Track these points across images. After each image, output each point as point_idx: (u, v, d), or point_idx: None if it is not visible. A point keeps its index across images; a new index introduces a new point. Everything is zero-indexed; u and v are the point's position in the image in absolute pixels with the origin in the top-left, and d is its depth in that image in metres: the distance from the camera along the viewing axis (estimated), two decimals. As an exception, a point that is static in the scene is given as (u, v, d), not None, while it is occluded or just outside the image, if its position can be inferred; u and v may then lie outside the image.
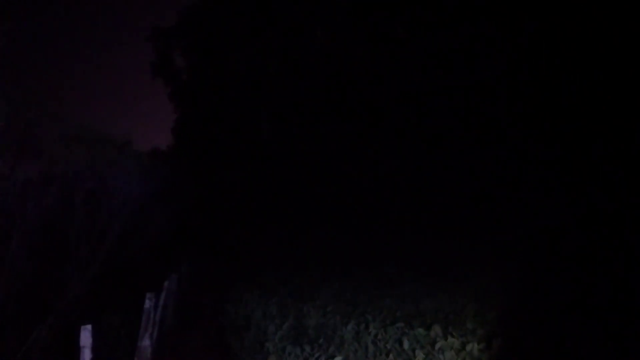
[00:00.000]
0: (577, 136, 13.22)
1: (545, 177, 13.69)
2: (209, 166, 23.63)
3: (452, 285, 8.85)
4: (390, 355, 5.99)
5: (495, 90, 15.04)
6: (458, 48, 16.27)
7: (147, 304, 7.77)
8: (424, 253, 11.84)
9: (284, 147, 22.35)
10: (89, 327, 5.71)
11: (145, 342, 7.45)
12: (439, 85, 16.59)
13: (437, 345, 5.87)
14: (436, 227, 14.19)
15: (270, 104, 23.59)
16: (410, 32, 18.81)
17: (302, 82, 21.95)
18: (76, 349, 5.87)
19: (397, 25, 19.17)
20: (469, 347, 5.56)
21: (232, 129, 24.02)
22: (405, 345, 5.88)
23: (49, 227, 8.21)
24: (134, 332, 7.96)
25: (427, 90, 16.99)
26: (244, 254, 17.46)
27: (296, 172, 20.82)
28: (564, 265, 10.20)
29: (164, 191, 14.35)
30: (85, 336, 5.75)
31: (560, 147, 13.54)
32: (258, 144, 23.51)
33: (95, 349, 5.93)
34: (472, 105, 15.56)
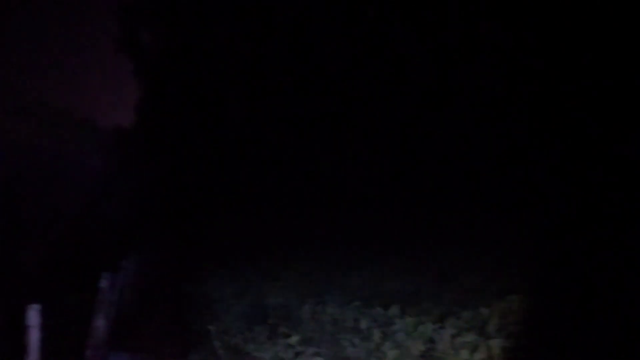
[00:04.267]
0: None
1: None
2: (176, 146, 23.22)
3: (416, 266, 8.90)
4: (348, 335, 5.97)
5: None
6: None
7: (103, 283, 7.59)
8: (392, 234, 11.85)
9: (255, 129, 22.08)
10: (36, 306, 5.52)
11: (100, 322, 7.27)
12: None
13: (395, 325, 5.88)
14: (404, 209, 14.20)
15: (243, 84, 23.20)
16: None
17: (280, 64, 21.59)
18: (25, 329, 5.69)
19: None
20: (422, 328, 5.58)
21: (201, 109, 23.60)
22: (363, 324, 5.87)
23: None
24: (90, 313, 7.79)
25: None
26: (213, 236, 17.24)
27: (267, 153, 20.60)
28: (530, 243, 10.34)
29: (127, 170, 14.01)
30: (33, 315, 5.56)
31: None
32: (227, 126, 23.16)
33: (46, 329, 5.75)
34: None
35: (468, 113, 15.26)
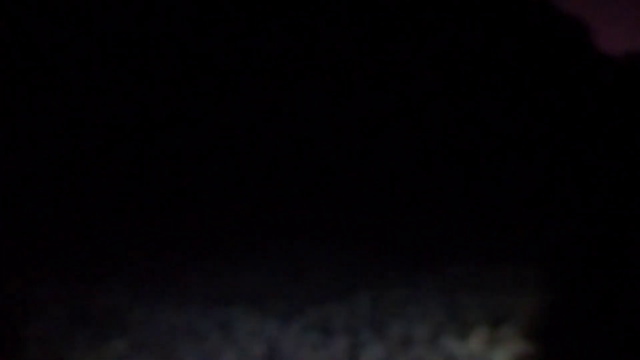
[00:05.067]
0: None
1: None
2: None
3: (263, 263, 8.58)
4: (184, 337, 5.41)
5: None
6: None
7: None
8: (238, 231, 11.39)
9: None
10: None
11: None
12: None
13: (237, 325, 5.46)
14: (251, 204, 13.82)
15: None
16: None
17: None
18: None
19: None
20: (267, 327, 5.23)
21: None
22: (201, 326, 5.35)
23: None
24: None
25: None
26: (37, 236, 15.35)
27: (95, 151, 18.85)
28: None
29: None
30: None
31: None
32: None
33: None
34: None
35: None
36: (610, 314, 6.13)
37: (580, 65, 15.50)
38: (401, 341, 5.07)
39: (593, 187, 13.87)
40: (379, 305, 6.47)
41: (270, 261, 8.55)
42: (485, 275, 8.19)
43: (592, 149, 14.80)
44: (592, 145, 14.82)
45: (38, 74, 15.21)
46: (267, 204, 13.07)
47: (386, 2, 16.34)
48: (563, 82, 15.80)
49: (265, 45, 17.15)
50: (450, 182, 13.21)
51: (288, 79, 15.86)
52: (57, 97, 15.08)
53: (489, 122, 16.07)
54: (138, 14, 17.31)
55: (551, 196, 13.95)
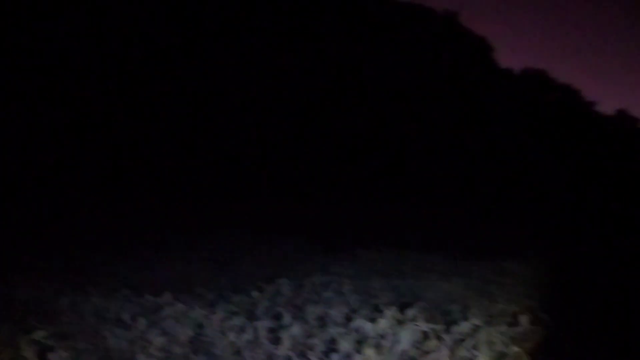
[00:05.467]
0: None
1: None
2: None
3: (191, 252, 8.79)
4: (111, 325, 5.57)
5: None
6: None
7: None
8: (167, 220, 11.47)
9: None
10: None
11: None
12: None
13: (164, 312, 5.70)
14: (178, 193, 13.86)
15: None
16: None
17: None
18: None
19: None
20: (192, 314, 5.51)
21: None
22: (127, 313, 5.54)
23: None
24: None
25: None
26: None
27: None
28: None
29: None
30: None
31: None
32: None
33: None
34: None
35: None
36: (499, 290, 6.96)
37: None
38: (318, 323, 5.54)
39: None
40: (299, 292, 6.93)
41: (199, 251, 8.77)
42: (397, 262, 8.89)
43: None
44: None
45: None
46: (195, 196, 13.18)
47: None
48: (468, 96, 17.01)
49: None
50: (365, 172, 13.94)
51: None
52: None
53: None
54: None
55: (451, 186, 15.18)
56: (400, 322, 5.45)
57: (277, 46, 16.67)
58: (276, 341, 5.17)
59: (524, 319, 5.01)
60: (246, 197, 13.74)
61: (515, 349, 4.19)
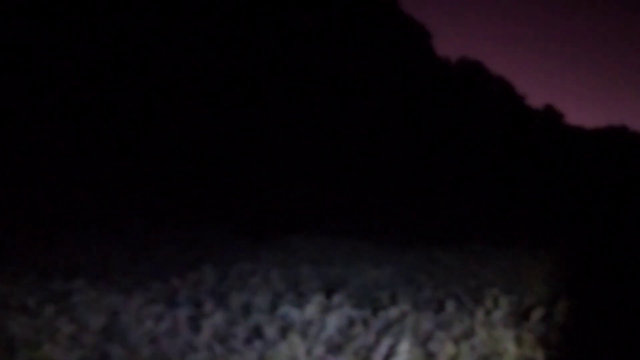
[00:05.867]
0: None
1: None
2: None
3: (109, 238, 8.31)
4: (15, 312, 5.10)
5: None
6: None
7: None
8: (83, 205, 10.82)
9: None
10: None
11: None
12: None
13: (75, 298, 5.30)
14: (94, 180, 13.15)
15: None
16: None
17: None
18: None
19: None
20: (108, 300, 5.15)
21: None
22: (33, 300, 5.09)
23: None
24: None
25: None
26: None
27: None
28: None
29: None
30: None
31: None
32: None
33: None
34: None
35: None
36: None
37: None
38: (242, 311, 5.32)
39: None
40: (223, 279, 6.67)
41: (119, 237, 8.29)
42: (328, 249, 8.81)
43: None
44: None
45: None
46: (118, 183, 12.53)
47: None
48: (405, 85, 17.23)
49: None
50: (297, 160, 13.79)
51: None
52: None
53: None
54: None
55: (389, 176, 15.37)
56: (327, 309, 5.33)
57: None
58: (196, 329, 4.90)
59: (449, 305, 5.03)
60: (175, 186, 13.27)
61: (440, 334, 4.16)
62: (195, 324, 5.00)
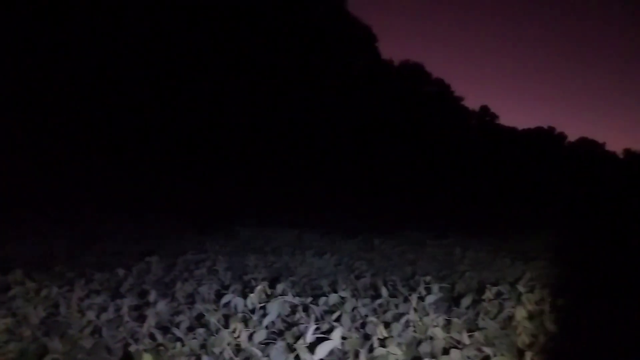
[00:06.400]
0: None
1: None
2: None
3: (54, 229, 8.15)
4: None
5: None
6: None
7: None
8: (30, 195, 10.54)
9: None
10: None
11: None
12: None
13: (13, 291, 5.24)
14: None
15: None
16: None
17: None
18: None
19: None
20: (48, 293, 5.12)
21: None
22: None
23: None
24: None
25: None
26: None
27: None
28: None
29: None
30: None
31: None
32: None
33: None
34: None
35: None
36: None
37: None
38: (187, 301, 5.41)
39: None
40: (170, 270, 6.73)
41: (63, 229, 8.16)
42: (274, 240, 8.96)
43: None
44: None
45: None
46: (65, 171, 12.21)
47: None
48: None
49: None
50: (247, 155, 13.84)
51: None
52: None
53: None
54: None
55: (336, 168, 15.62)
56: (270, 297, 5.48)
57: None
58: (140, 319, 4.96)
59: (385, 292, 5.28)
60: (124, 178, 13.06)
61: (374, 319, 4.40)
62: (139, 313, 5.05)
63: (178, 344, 4.43)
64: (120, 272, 6.27)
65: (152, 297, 5.44)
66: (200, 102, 14.91)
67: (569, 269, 6.89)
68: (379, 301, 5.09)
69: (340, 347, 4.11)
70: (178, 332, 4.68)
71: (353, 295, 5.47)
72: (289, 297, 5.48)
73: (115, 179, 12.61)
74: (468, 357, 3.96)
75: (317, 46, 18.46)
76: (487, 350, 3.94)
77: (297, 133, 15.86)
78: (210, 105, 15.18)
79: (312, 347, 3.76)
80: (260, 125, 15.36)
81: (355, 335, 4.31)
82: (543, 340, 4.47)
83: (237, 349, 4.21)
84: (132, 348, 4.50)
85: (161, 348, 4.43)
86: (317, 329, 4.39)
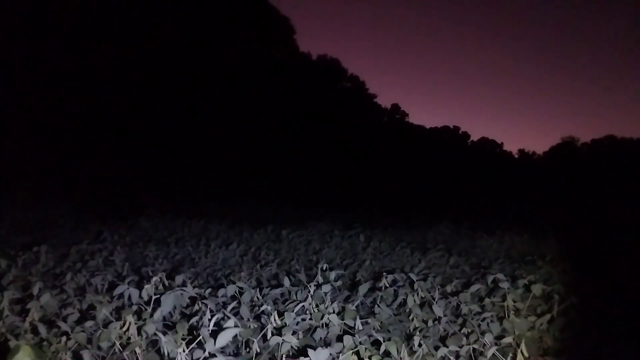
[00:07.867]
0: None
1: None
2: None
3: None
4: None
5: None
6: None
7: None
8: None
9: None
10: None
11: None
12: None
13: None
14: None
15: None
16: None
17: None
18: None
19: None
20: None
21: None
22: None
23: None
24: None
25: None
26: None
27: None
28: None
29: None
30: None
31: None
32: None
33: None
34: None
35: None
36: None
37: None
38: (76, 292, 5.15)
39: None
40: (62, 260, 6.35)
41: None
42: (175, 230, 8.73)
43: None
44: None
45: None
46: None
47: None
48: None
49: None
50: (151, 147, 13.36)
51: None
52: None
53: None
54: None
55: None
56: (167, 288, 5.33)
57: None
58: (22, 312, 4.64)
59: (286, 281, 5.30)
60: (17, 164, 12.15)
61: (268, 308, 4.43)
62: (21, 307, 4.73)
63: (63, 338, 4.20)
64: (3, 262, 5.82)
65: (35, 289, 5.11)
66: (102, 91, 14.23)
67: (460, 259, 7.28)
68: (279, 290, 5.10)
69: (235, 338, 4.08)
70: (64, 326, 4.43)
71: (257, 285, 5.45)
72: (188, 289, 5.36)
73: (6, 163, 11.70)
74: (360, 343, 4.07)
75: (231, 31, 18.12)
76: (377, 336, 4.06)
77: (206, 121, 15.52)
78: (113, 94, 14.49)
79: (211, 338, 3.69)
80: (166, 113, 14.85)
81: (251, 325, 4.30)
82: (431, 325, 4.70)
83: (128, 342, 4.05)
84: (12, 344, 4.21)
85: (44, 343, 4.18)
86: (211, 320, 4.33)
